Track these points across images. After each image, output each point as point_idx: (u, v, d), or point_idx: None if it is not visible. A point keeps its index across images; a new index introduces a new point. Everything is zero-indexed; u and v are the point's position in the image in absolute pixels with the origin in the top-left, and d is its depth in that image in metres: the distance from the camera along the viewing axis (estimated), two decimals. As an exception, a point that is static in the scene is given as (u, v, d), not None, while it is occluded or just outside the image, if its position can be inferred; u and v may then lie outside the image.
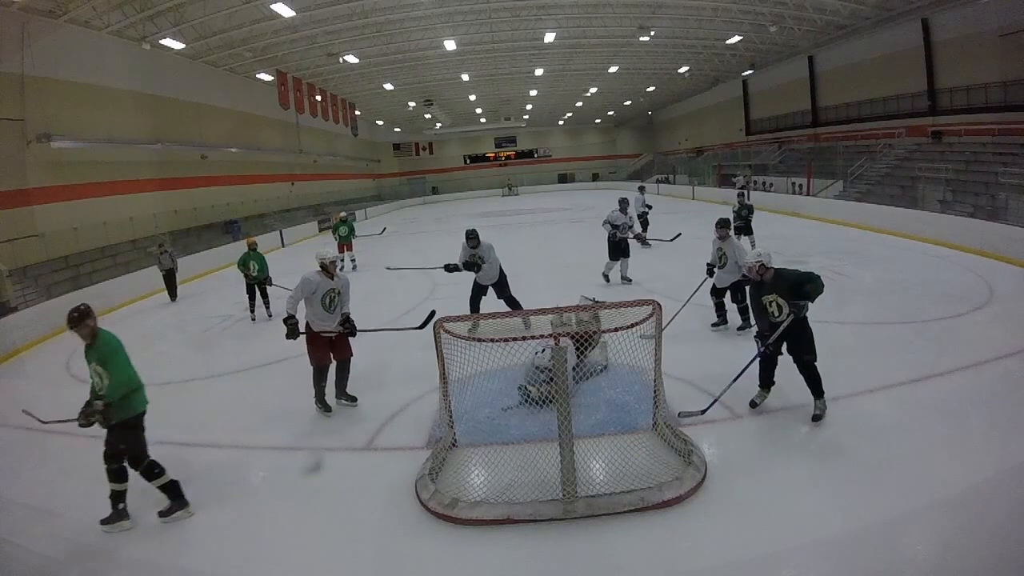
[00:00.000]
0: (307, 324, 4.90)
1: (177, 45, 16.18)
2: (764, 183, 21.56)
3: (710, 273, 6.43)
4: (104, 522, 3.48)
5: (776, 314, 4.16)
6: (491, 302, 6.99)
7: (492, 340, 4.00)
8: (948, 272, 8.59)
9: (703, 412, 4.36)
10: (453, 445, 4.09)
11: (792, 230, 13.91)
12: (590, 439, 3.73)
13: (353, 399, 5.16)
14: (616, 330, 3.78)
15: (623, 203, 9.39)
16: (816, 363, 4.13)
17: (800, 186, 19.30)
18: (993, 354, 5.10)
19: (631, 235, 9.13)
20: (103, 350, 3.44)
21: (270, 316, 8.81)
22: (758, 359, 4.35)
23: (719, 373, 4.81)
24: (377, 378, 5.83)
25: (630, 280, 9.16)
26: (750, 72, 25.98)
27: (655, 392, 4.01)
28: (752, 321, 5.52)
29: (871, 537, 2.95)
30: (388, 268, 10.47)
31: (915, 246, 10.88)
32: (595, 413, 4.40)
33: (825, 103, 22.58)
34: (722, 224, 6.46)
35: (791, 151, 23.72)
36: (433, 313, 5.01)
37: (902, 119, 18.11)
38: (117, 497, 3.50)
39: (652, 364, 3.90)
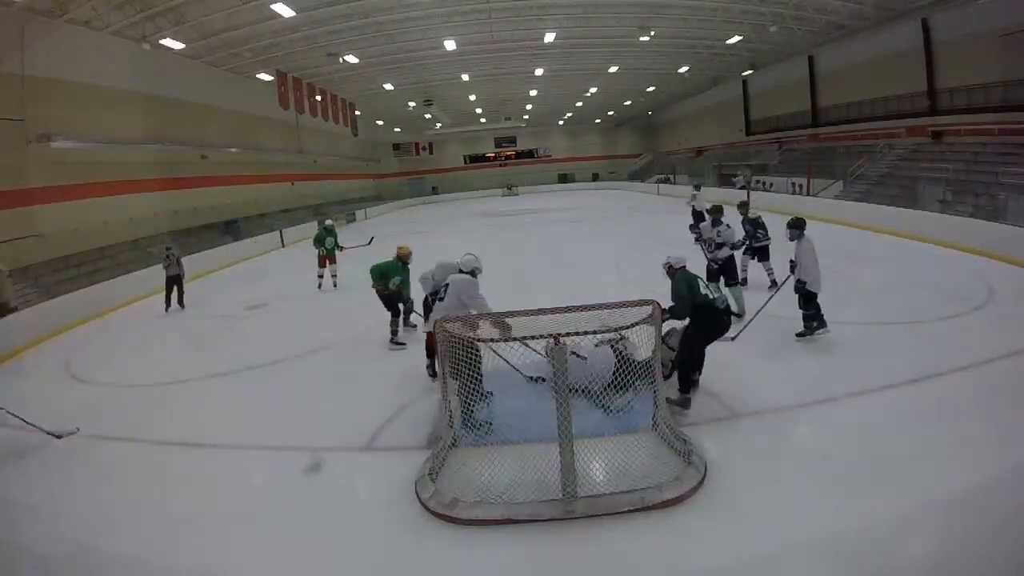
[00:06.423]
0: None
1: (177, 45, 16.17)
2: (764, 183, 21.53)
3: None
4: None
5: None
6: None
7: (492, 340, 4.01)
8: (948, 272, 8.58)
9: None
10: (453, 445, 4.09)
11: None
12: (590, 439, 3.72)
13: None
14: (617, 330, 3.78)
15: (710, 214, 7.15)
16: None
17: (800, 186, 19.28)
18: (993, 354, 5.09)
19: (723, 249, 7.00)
20: None
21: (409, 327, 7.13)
22: None
23: (722, 375, 4.81)
24: (377, 378, 5.84)
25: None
26: (750, 72, 25.94)
27: (655, 392, 4.01)
28: (813, 328, 5.76)
29: (871, 537, 2.95)
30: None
31: (915, 246, 10.87)
32: (595, 413, 4.40)
33: (825, 103, 22.53)
34: (792, 224, 5.90)
35: (791, 151, 23.71)
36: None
37: (902, 119, 18.08)
38: None
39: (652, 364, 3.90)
